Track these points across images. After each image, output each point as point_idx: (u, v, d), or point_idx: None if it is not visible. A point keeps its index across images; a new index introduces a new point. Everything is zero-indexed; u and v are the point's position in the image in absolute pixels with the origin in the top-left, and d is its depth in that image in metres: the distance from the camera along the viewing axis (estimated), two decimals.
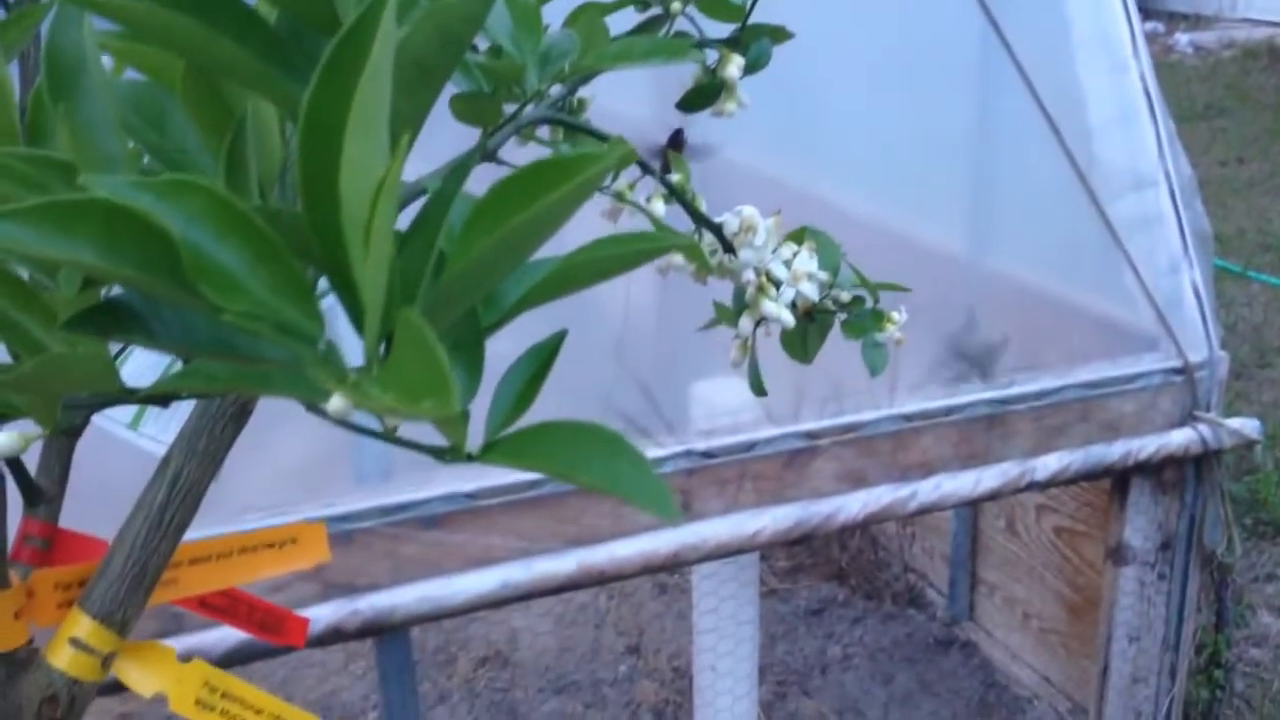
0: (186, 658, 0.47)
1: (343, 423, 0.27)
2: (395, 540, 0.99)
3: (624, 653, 1.91)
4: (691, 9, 0.51)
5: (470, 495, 1.01)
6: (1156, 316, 1.25)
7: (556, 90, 0.45)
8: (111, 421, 0.78)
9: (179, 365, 0.32)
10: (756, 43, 0.52)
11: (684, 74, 0.52)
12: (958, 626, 1.91)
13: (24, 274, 0.33)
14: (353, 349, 0.26)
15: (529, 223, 0.25)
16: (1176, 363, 1.26)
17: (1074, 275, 1.29)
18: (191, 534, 0.43)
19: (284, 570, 0.51)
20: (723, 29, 0.52)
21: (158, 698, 0.45)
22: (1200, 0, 7.14)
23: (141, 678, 0.44)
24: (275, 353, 0.25)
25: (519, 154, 0.40)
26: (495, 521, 1.02)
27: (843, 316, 0.54)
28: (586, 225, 0.38)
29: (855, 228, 1.16)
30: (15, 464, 0.43)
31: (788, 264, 0.50)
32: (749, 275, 0.50)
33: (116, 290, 0.27)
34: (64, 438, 0.43)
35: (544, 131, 0.47)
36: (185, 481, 0.40)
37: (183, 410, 0.41)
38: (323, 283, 0.26)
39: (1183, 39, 6.49)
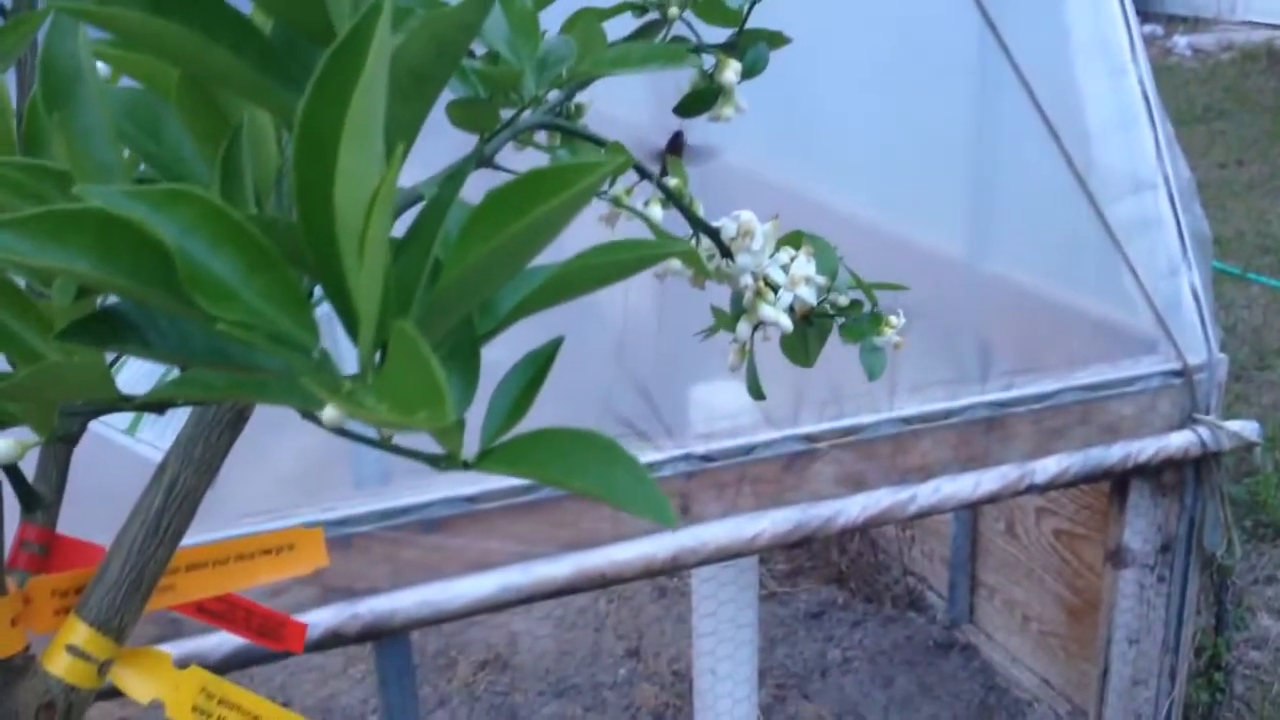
0: (184, 663, 0.47)
1: (339, 430, 0.27)
2: (394, 544, 0.99)
3: (624, 656, 1.91)
4: (689, 14, 0.51)
5: (470, 499, 1.01)
6: (1155, 319, 1.25)
7: (554, 96, 0.45)
8: (109, 427, 0.78)
9: (176, 372, 0.32)
10: (753, 48, 0.52)
11: (682, 78, 0.52)
12: (957, 629, 1.91)
13: (21, 282, 0.33)
14: (351, 355, 0.26)
15: (525, 231, 0.25)
16: (1175, 365, 1.26)
17: (1073, 278, 1.29)
18: (191, 539, 0.43)
19: (281, 576, 0.51)
20: (720, 34, 0.52)
21: (155, 704, 0.45)
22: (1199, 3, 7.14)
23: (138, 684, 0.44)
24: (270, 362, 0.25)
25: (517, 159, 0.41)
26: (495, 525, 1.02)
27: (841, 320, 0.54)
28: (586, 229, 0.38)
29: (855, 232, 1.16)
30: (13, 470, 0.43)
31: (785, 268, 0.50)
32: (747, 280, 0.49)
33: (113, 299, 0.27)
34: (61, 444, 0.43)
35: (541, 137, 0.47)
36: (182, 488, 0.40)
37: (180, 416, 0.41)
38: (319, 291, 0.26)
39: (1181, 41, 6.49)
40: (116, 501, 0.44)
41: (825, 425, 1.13)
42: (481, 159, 0.41)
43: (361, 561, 0.98)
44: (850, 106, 1.19)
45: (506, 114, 0.43)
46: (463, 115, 0.41)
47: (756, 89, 0.52)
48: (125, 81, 0.36)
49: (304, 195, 0.23)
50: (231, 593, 0.52)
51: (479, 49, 0.44)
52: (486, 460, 0.29)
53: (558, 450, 0.28)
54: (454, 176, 0.30)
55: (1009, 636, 1.80)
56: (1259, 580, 2.02)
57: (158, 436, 0.78)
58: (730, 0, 0.51)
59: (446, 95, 0.40)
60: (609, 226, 0.51)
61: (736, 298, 0.51)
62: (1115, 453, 1.25)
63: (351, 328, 0.24)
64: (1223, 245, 3.43)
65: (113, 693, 0.47)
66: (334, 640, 0.98)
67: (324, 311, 0.27)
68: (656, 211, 0.50)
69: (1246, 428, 1.28)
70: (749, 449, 1.11)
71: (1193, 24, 6.97)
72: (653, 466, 1.07)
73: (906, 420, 1.16)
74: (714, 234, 0.49)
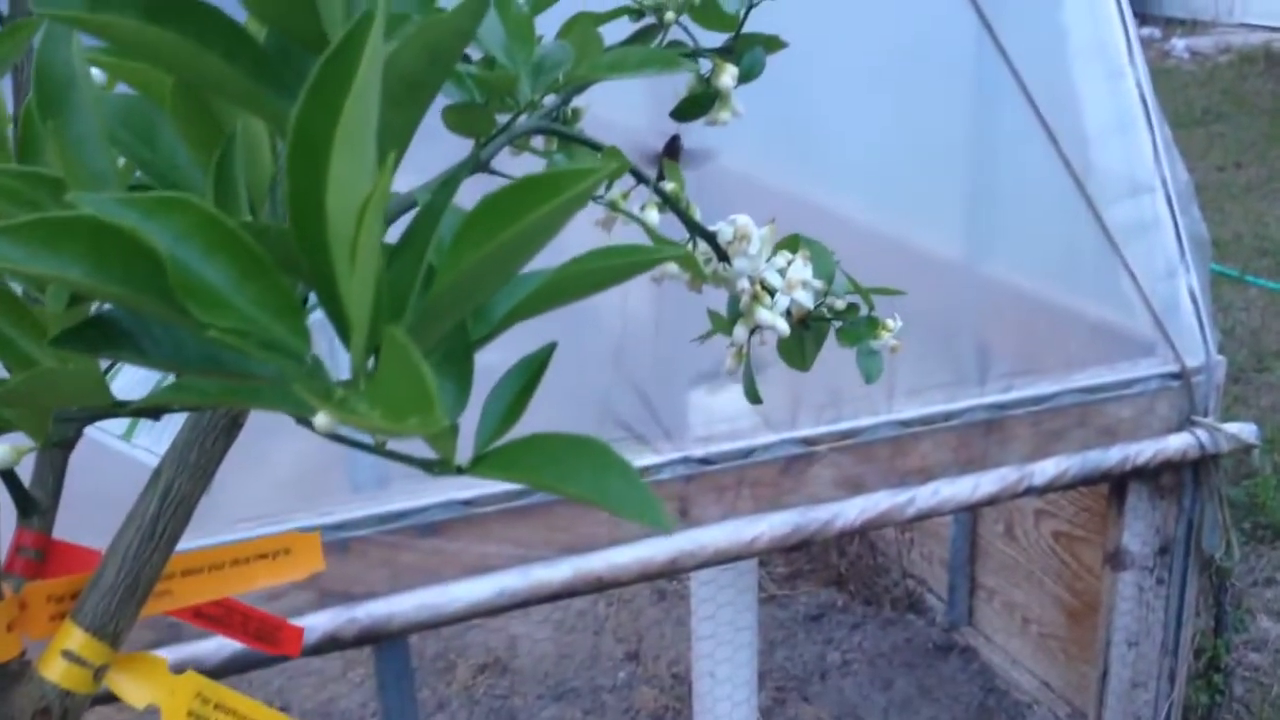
0: (182, 668, 0.47)
1: (332, 436, 0.27)
2: (392, 548, 0.99)
3: (623, 659, 1.91)
4: (685, 18, 0.51)
5: (467, 503, 1.01)
6: (1154, 321, 1.25)
7: (550, 100, 0.45)
8: (104, 433, 0.78)
9: (171, 377, 0.32)
10: (750, 52, 0.52)
11: (679, 82, 0.52)
12: (957, 632, 1.91)
13: (17, 289, 0.33)
14: (345, 362, 0.26)
15: (518, 237, 0.25)
16: (1174, 367, 1.26)
17: (1071, 281, 1.29)
18: (186, 544, 0.43)
19: (277, 581, 0.51)
20: (717, 38, 0.52)
21: (150, 709, 0.45)
22: (1197, 5, 7.15)
23: (134, 689, 0.44)
24: (262, 369, 0.25)
25: (513, 165, 0.41)
26: (492, 529, 1.02)
27: (838, 324, 0.54)
28: (583, 233, 0.38)
29: (852, 235, 1.16)
30: (9, 476, 0.43)
31: (782, 272, 0.50)
32: (744, 284, 0.49)
33: (107, 305, 0.27)
34: (57, 450, 0.43)
35: (538, 141, 0.47)
36: (177, 493, 0.40)
37: (175, 421, 0.41)
38: (313, 297, 0.26)
39: (1179, 44, 6.50)
40: (112, 507, 0.44)
41: (824, 428, 1.13)
42: (477, 164, 0.41)
43: (359, 566, 0.98)
44: (847, 110, 1.20)
45: (502, 119, 0.43)
46: (458, 120, 0.41)
47: (753, 93, 0.52)
48: (120, 88, 0.36)
49: (296, 202, 0.23)
50: (228, 597, 0.52)
51: (475, 53, 0.44)
52: (480, 465, 0.29)
53: (551, 455, 0.28)
54: (448, 182, 0.30)
55: (1008, 639, 1.80)
56: (1258, 582, 2.02)
57: (153, 442, 0.78)
58: (727, 5, 0.51)
59: (442, 100, 0.40)
60: (605, 231, 0.51)
61: (733, 302, 0.51)
62: (1114, 455, 1.25)
63: (344, 334, 0.24)
64: (1221, 248, 3.43)
65: (108, 698, 0.47)
66: (332, 644, 0.98)
67: (318, 318, 0.27)
68: (653, 216, 0.50)
69: (1245, 430, 1.28)
70: (747, 452, 1.11)
71: (1190, 26, 6.98)
72: (651, 470, 1.07)
73: (905, 423, 1.16)
74: (711, 238, 0.49)
